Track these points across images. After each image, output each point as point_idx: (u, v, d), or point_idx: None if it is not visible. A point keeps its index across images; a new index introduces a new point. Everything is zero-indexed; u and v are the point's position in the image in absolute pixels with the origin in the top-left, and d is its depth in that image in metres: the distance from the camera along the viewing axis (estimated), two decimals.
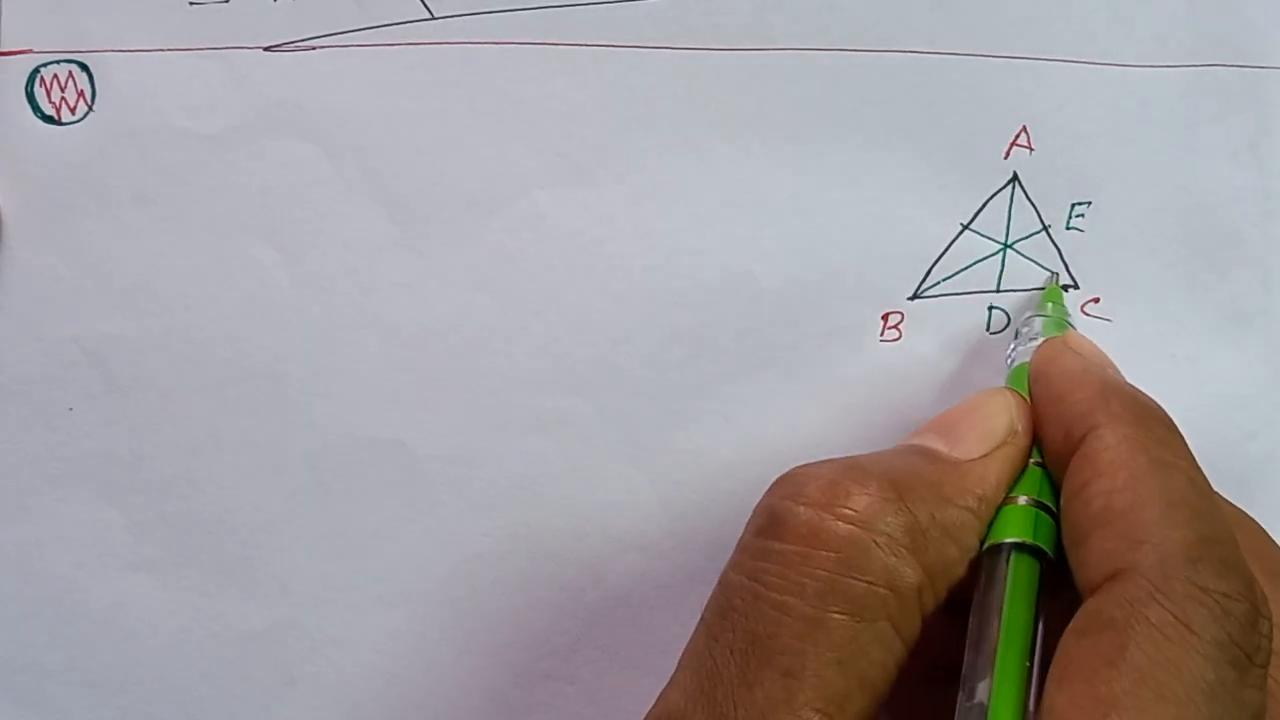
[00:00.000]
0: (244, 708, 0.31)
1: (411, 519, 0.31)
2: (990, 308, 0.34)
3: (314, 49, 0.30)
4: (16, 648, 0.30)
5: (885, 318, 0.33)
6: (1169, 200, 0.34)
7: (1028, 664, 0.23)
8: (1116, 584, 0.22)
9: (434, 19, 0.30)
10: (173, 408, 0.30)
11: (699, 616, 0.25)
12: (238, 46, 0.29)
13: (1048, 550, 0.24)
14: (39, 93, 0.28)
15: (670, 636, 0.32)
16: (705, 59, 0.32)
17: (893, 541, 0.23)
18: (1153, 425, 0.25)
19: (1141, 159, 0.34)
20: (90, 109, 0.29)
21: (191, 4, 0.29)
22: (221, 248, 0.30)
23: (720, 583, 0.24)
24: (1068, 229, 0.34)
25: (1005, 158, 0.33)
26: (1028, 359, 0.29)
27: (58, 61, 0.28)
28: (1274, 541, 0.26)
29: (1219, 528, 0.23)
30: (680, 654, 0.25)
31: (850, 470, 0.24)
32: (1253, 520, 0.27)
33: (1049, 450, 0.26)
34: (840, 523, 0.23)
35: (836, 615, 0.23)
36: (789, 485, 0.25)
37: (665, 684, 0.24)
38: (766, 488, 0.26)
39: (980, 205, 0.34)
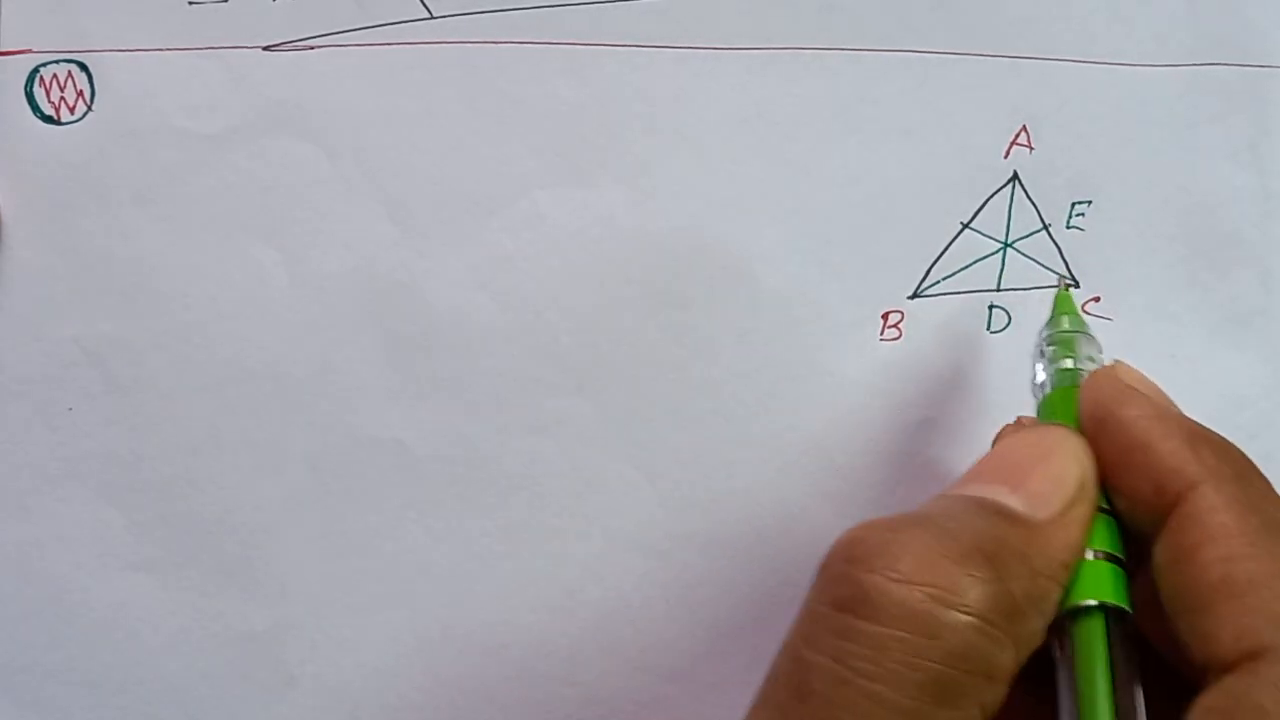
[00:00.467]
0: (244, 708, 0.31)
1: (411, 519, 0.31)
2: (990, 307, 0.34)
3: (313, 49, 0.30)
4: (16, 648, 0.30)
5: (885, 317, 0.33)
6: (1169, 200, 0.34)
7: None
8: (1262, 665, 0.21)
9: (433, 19, 0.30)
10: (173, 408, 0.30)
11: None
12: (237, 46, 0.29)
13: (1127, 608, 0.24)
14: (38, 93, 0.28)
15: (670, 637, 0.32)
16: (705, 59, 0.32)
17: (991, 626, 0.22)
18: (1254, 480, 0.24)
19: (1141, 159, 0.34)
20: (90, 109, 0.29)
21: (191, 4, 0.29)
22: (221, 248, 0.30)
23: (790, 657, 0.23)
24: (1068, 228, 0.34)
25: (1005, 157, 0.33)
26: (1066, 384, 0.28)
27: (57, 61, 0.28)
28: None
29: None
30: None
31: (942, 541, 0.22)
32: None
33: (1133, 501, 0.25)
34: (945, 610, 0.22)
35: (929, 706, 0.21)
36: (876, 556, 0.22)
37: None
38: (828, 547, 0.23)
39: (980, 204, 0.34)
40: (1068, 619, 0.24)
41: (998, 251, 0.34)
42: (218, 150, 0.29)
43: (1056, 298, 0.32)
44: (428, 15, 0.30)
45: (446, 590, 0.32)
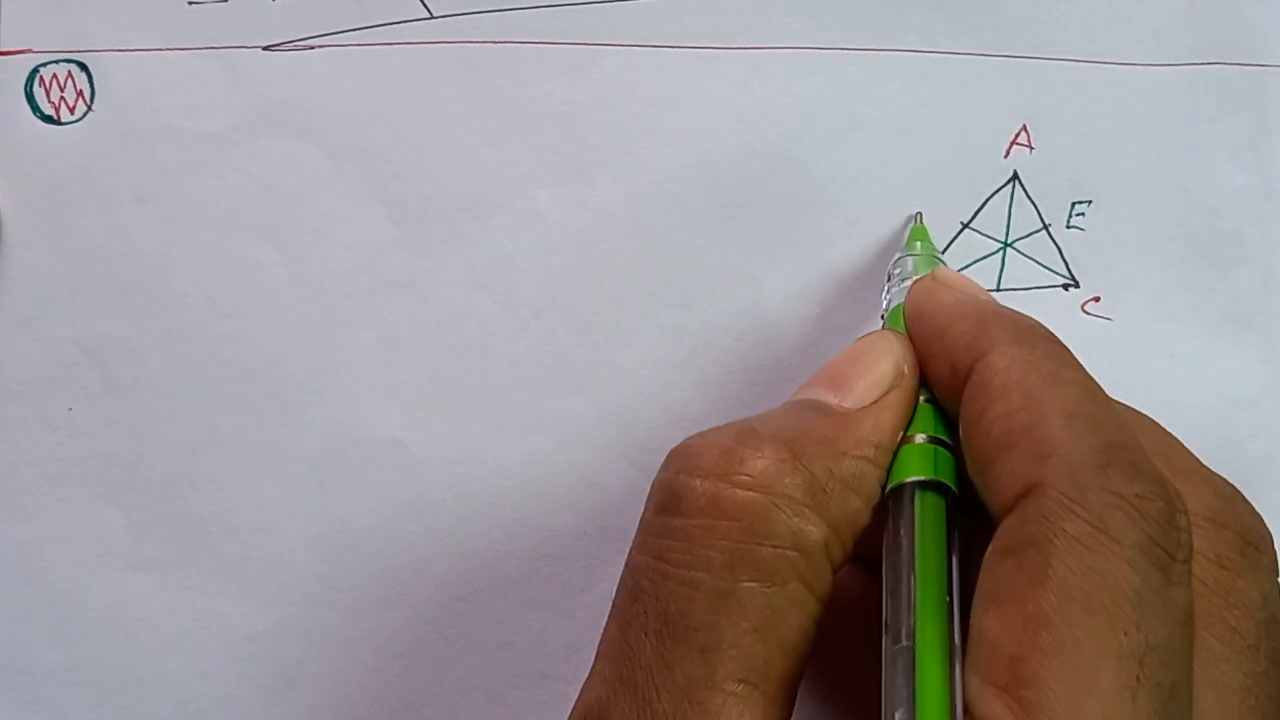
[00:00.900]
0: (244, 708, 0.31)
1: (411, 519, 0.31)
2: None
3: (313, 48, 0.30)
4: (16, 648, 0.30)
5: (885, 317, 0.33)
6: (1169, 200, 0.34)
7: (947, 599, 0.23)
8: (1030, 501, 0.22)
9: (433, 19, 0.30)
10: (173, 408, 0.30)
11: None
12: (237, 46, 0.29)
13: (950, 484, 0.24)
14: (38, 93, 0.28)
15: None
16: (705, 58, 0.32)
17: (793, 502, 0.23)
18: (1038, 342, 0.25)
19: (1141, 159, 0.34)
20: (90, 109, 0.29)
21: (190, 4, 0.29)
22: (221, 248, 0.30)
23: (626, 566, 0.24)
24: (1068, 228, 0.34)
25: (1005, 157, 0.33)
26: (902, 299, 0.29)
27: (57, 61, 0.28)
28: (1175, 438, 0.26)
29: (1122, 432, 0.23)
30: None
31: (743, 435, 0.24)
32: (1154, 421, 0.26)
33: (938, 385, 0.26)
34: (739, 490, 0.23)
35: (747, 584, 0.22)
36: (683, 458, 0.24)
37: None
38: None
39: (980, 204, 0.34)
40: (890, 498, 0.24)
41: (998, 251, 0.34)
42: (217, 150, 0.29)
43: (910, 230, 0.33)
44: (428, 15, 0.30)
45: (446, 590, 0.32)
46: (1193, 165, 0.35)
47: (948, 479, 0.24)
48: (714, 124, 0.32)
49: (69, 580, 0.30)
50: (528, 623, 0.32)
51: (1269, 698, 0.23)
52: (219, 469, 0.30)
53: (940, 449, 0.25)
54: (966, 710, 0.21)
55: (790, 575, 0.23)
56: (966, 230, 0.34)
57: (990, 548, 0.22)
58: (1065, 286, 0.34)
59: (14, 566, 0.30)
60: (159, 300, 0.30)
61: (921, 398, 0.26)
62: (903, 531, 0.24)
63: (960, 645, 0.22)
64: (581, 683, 0.24)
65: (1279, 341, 0.35)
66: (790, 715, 0.23)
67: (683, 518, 0.23)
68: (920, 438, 0.25)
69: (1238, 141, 0.35)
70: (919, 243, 0.32)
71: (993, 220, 0.34)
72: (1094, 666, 0.20)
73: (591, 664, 0.24)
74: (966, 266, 0.34)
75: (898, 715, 0.21)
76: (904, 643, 0.22)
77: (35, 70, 0.28)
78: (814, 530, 0.23)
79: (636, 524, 0.24)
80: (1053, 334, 0.25)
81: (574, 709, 0.23)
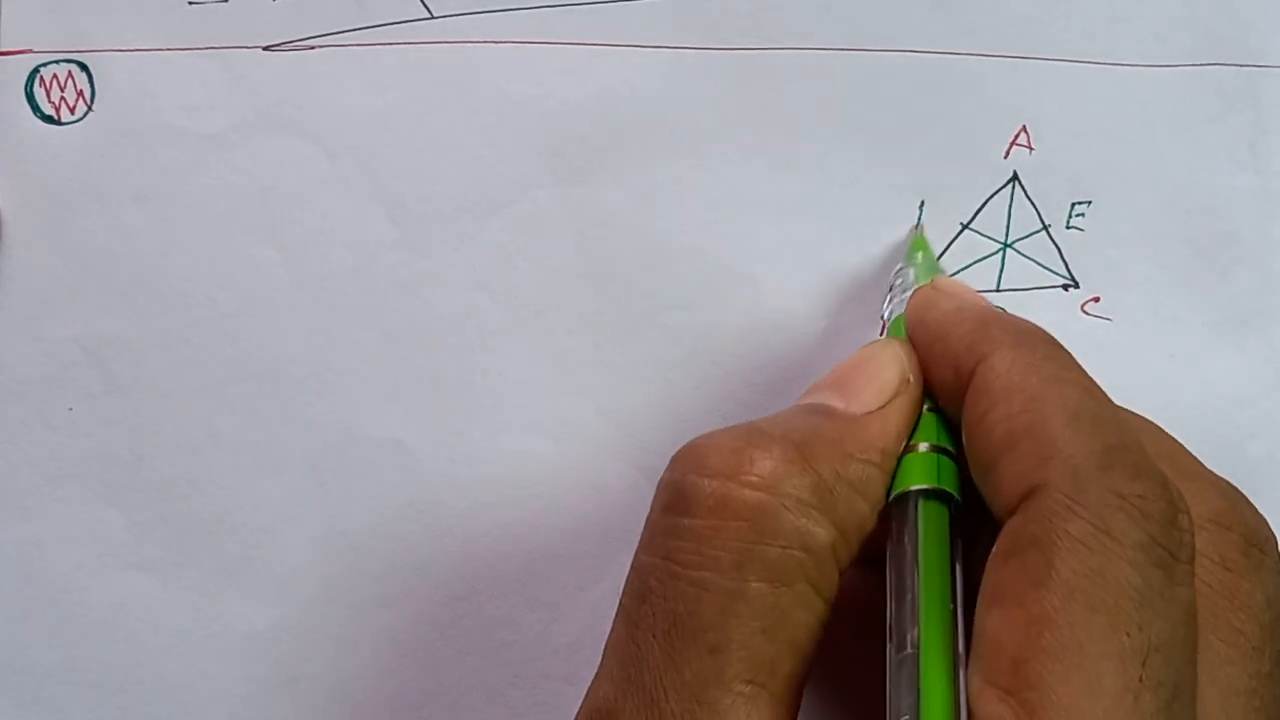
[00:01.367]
0: (244, 708, 0.31)
1: (411, 519, 0.31)
2: None
3: (313, 49, 0.30)
4: (16, 648, 0.30)
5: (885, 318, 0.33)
6: (1169, 200, 0.34)
7: (951, 606, 0.23)
8: (1032, 502, 0.22)
9: (433, 19, 0.30)
10: (173, 408, 0.30)
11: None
12: (237, 46, 0.29)
13: (953, 492, 0.24)
14: (39, 93, 0.28)
15: None
16: (705, 59, 0.32)
17: (801, 503, 0.23)
18: (1038, 345, 0.25)
19: (1141, 159, 0.34)
20: (90, 109, 0.29)
21: (190, 4, 0.29)
22: (221, 248, 0.30)
23: (633, 566, 0.24)
24: (1068, 228, 0.34)
25: (1005, 157, 0.33)
26: (904, 310, 0.29)
27: (57, 61, 0.28)
28: (1178, 442, 0.26)
29: (1124, 433, 0.23)
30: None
31: (751, 436, 0.24)
32: (1154, 424, 0.26)
33: (940, 390, 0.26)
34: (747, 490, 0.23)
35: (755, 584, 0.22)
36: (691, 458, 0.24)
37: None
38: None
39: (980, 205, 0.34)
40: (894, 506, 0.25)
41: (997, 252, 0.34)
42: (217, 150, 0.29)
43: (911, 240, 0.33)
44: (428, 15, 0.30)
45: (446, 590, 0.32)
46: (1192, 165, 0.35)
47: (951, 487, 0.24)
48: (714, 124, 0.32)
49: (69, 580, 0.30)
50: (528, 623, 0.32)
51: (1274, 699, 0.23)
52: (219, 469, 0.30)
53: (943, 457, 0.25)
54: (970, 712, 0.21)
55: (798, 576, 0.23)
56: (966, 231, 0.34)
57: (993, 549, 0.22)
58: (1065, 287, 0.34)
59: (14, 566, 0.30)
60: (159, 300, 0.30)
61: (925, 406, 0.26)
62: (906, 540, 0.24)
63: (964, 653, 0.22)
64: (582, 682, 0.24)
65: (1279, 341, 0.35)
66: (796, 716, 0.23)
67: (691, 518, 0.23)
68: (923, 446, 0.25)
69: (1237, 142, 0.35)
70: (919, 253, 0.32)
71: (992, 221, 0.34)
72: (1097, 667, 0.20)
73: (597, 664, 0.24)
74: (966, 267, 0.34)
75: None
76: (908, 650, 0.22)
77: (35, 70, 0.28)
78: (821, 532, 0.23)
79: (637, 524, 0.24)
80: (1052, 337, 0.25)
81: (580, 709, 0.23)
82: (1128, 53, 0.34)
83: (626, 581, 0.24)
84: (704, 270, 0.32)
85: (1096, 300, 0.35)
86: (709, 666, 0.22)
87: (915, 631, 0.22)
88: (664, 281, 0.32)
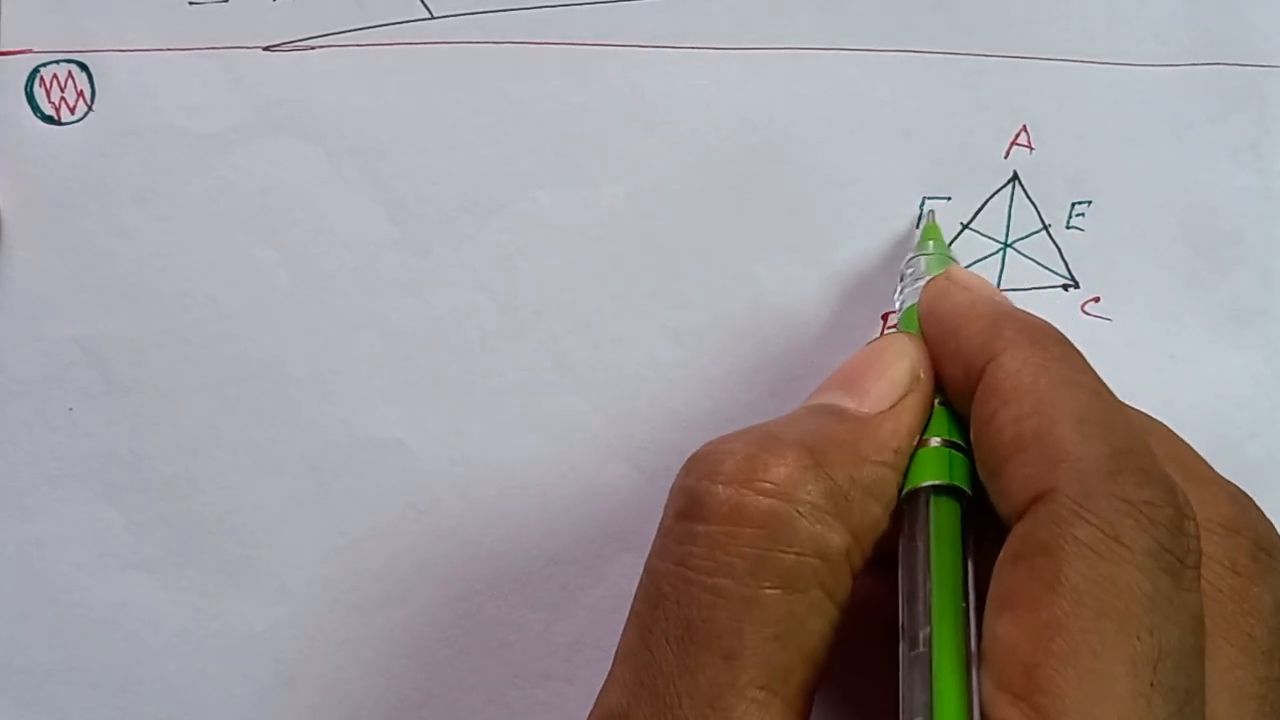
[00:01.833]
0: (244, 708, 0.31)
1: (411, 519, 0.31)
2: None
3: (313, 49, 0.30)
4: (16, 648, 0.30)
5: (885, 318, 0.33)
6: (1169, 200, 0.34)
7: (963, 604, 0.23)
8: (1041, 507, 0.22)
9: (433, 19, 0.30)
10: (173, 408, 0.30)
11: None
12: (237, 46, 0.29)
13: (965, 488, 0.24)
14: (39, 93, 0.28)
15: None
16: (705, 59, 0.32)
17: (815, 509, 0.23)
18: (1049, 345, 0.25)
19: (1141, 159, 0.34)
20: (90, 109, 0.29)
21: (191, 4, 0.29)
22: (221, 248, 0.30)
23: (646, 571, 0.24)
24: (1068, 228, 0.34)
25: (1005, 157, 0.33)
26: (916, 300, 0.29)
27: (57, 61, 0.28)
28: (1188, 444, 0.26)
29: (1133, 438, 0.23)
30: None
31: (764, 441, 0.24)
32: (1164, 426, 0.26)
33: (951, 387, 0.26)
34: (761, 497, 0.23)
35: (769, 591, 0.22)
36: (704, 464, 0.24)
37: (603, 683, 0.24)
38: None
39: (980, 205, 0.34)
40: (906, 503, 0.24)
41: (998, 252, 0.34)
42: (217, 150, 0.29)
43: (923, 228, 0.33)
44: (428, 15, 0.30)
45: (446, 590, 0.32)
46: (1193, 165, 0.35)
47: (962, 483, 0.24)
48: (714, 124, 0.32)
49: (69, 580, 0.30)
50: (528, 623, 0.32)
51: None
52: (219, 469, 0.31)
53: (955, 452, 0.25)
54: (983, 717, 0.21)
55: (812, 582, 0.23)
56: (966, 230, 0.34)
57: (1002, 553, 0.22)
58: (1065, 287, 0.34)
59: (14, 566, 0.30)
60: (159, 300, 0.30)
61: (936, 400, 0.26)
62: (918, 537, 0.24)
63: (977, 651, 0.22)
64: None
65: (1279, 341, 0.35)
66: None
67: (705, 524, 0.23)
68: (935, 441, 0.25)
69: (1238, 141, 0.35)
70: (931, 241, 0.32)
71: (993, 220, 0.34)
72: (1108, 672, 0.20)
73: (597, 664, 0.24)
74: (966, 267, 0.34)
75: None
76: (920, 649, 0.22)
77: (35, 70, 0.28)
78: (836, 538, 0.23)
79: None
80: (1065, 337, 0.25)
81: (591, 715, 0.23)
82: (1128, 52, 0.34)
83: (638, 586, 0.24)
84: (704, 270, 0.32)
85: (1096, 300, 0.35)
86: (723, 673, 0.22)
87: (927, 630, 0.22)
88: (664, 281, 0.32)
